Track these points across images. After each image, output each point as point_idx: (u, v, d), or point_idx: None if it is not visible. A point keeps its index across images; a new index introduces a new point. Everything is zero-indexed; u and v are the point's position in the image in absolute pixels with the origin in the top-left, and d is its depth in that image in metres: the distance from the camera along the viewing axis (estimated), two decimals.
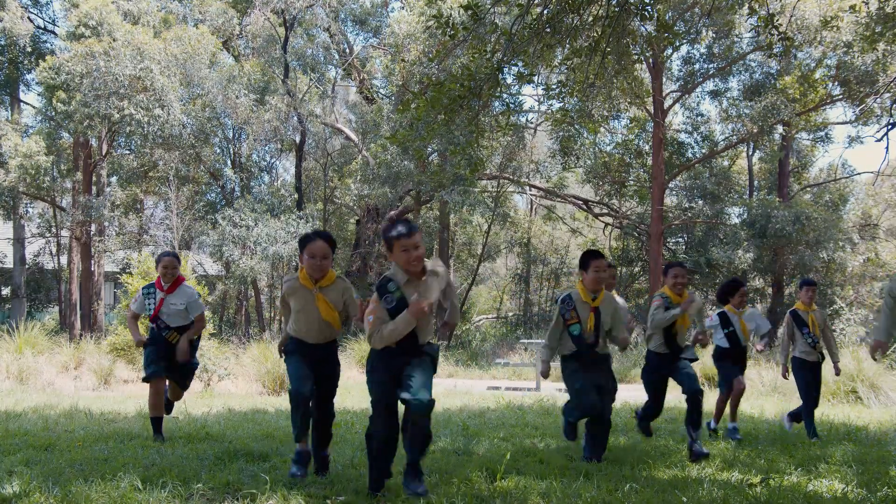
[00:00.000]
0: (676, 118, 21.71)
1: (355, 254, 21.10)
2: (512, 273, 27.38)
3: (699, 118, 20.22)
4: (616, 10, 6.01)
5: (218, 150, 21.45)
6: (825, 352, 6.66)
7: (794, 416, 6.89)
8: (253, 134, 19.72)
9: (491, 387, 12.78)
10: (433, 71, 11.70)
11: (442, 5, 13.90)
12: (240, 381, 12.57)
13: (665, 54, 16.57)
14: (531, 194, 25.15)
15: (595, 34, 6.45)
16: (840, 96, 16.64)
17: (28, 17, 19.43)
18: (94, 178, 20.07)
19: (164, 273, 5.86)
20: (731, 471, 4.69)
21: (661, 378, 5.59)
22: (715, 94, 19.75)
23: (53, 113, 17.99)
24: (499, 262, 29.67)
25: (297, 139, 20.92)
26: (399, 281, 3.78)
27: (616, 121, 20.05)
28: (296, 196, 20.12)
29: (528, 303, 25.52)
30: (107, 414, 7.51)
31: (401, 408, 3.74)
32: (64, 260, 23.34)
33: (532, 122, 20.33)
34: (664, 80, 18.29)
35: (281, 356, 4.50)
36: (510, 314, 26.45)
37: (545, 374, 5.13)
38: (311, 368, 4.25)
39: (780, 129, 17.94)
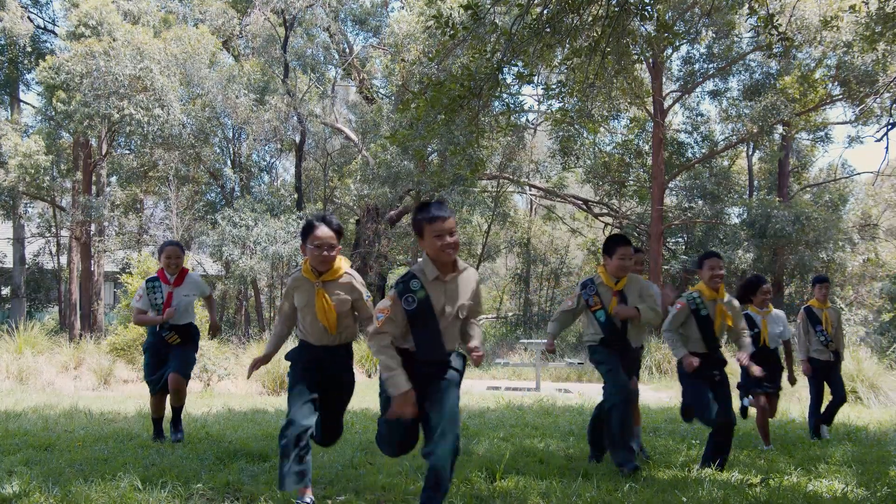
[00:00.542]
0: (676, 118, 21.72)
1: (355, 254, 21.09)
2: (512, 273, 27.38)
3: (699, 118, 20.22)
4: (616, 10, 6.00)
5: (218, 150, 21.44)
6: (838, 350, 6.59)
7: (826, 418, 6.63)
8: (253, 134, 19.72)
9: (491, 387, 12.78)
10: (433, 71, 11.69)
11: (442, 5, 13.91)
12: (240, 381, 12.56)
13: (665, 54, 16.54)
14: (531, 194, 25.16)
15: (595, 34, 6.44)
16: (840, 96, 16.63)
17: (28, 17, 19.41)
18: (93, 178, 20.06)
19: (167, 264, 5.39)
20: (731, 471, 4.69)
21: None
22: (715, 94, 19.74)
23: (53, 113, 17.98)
24: (499, 262, 29.67)
25: (297, 139, 20.92)
26: (426, 277, 3.27)
27: (616, 121, 20.04)
28: (296, 196, 20.13)
29: (527, 303, 25.52)
30: (107, 414, 7.50)
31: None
32: (64, 260, 23.33)
33: (532, 123, 20.33)
34: (664, 80, 18.28)
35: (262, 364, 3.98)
36: (510, 314, 26.43)
37: (550, 349, 4.98)
38: (316, 385, 3.72)
39: (780, 129, 17.93)
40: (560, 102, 8.82)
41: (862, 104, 15.79)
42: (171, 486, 3.87)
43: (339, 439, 4.10)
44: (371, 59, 22.48)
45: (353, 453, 4.98)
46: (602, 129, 19.01)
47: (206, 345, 12.16)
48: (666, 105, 18.01)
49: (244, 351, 14.17)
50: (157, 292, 5.37)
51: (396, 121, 15.74)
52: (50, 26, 21.96)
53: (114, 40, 16.29)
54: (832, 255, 17.04)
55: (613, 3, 6.08)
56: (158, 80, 16.55)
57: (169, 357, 5.45)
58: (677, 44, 15.68)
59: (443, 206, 3.29)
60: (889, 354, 13.64)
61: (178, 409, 5.59)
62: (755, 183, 22.08)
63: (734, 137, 19.10)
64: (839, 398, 6.59)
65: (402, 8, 19.51)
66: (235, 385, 12.46)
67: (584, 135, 18.37)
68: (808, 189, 22.61)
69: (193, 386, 9.86)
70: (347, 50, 22.13)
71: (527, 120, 19.74)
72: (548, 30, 6.12)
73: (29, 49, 19.40)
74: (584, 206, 22.23)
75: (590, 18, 6.50)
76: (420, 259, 3.38)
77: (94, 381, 12.31)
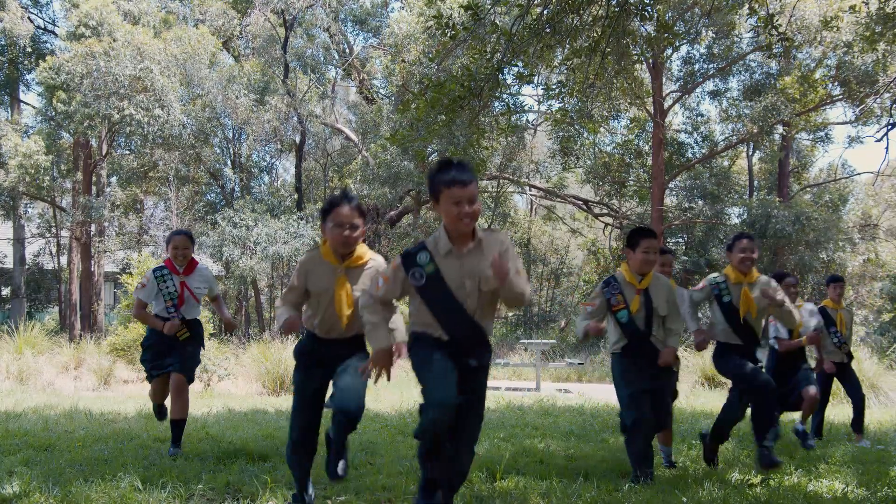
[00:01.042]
0: (676, 118, 21.72)
1: None
2: None
3: (699, 118, 20.22)
4: (616, 10, 6.01)
5: (218, 151, 21.45)
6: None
7: (856, 426, 6.50)
8: (253, 134, 19.73)
9: (491, 387, 12.76)
10: (433, 71, 11.69)
11: (442, 5, 13.91)
12: (240, 382, 12.56)
13: (665, 54, 16.55)
14: (531, 194, 25.16)
15: (595, 34, 6.44)
16: (840, 96, 16.64)
17: (28, 18, 19.43)
18: (94, 179, 20.07)
19: (175, 255, 5.04)
20: (731, 471, 4.69)
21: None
22: (715, 95, 19.75)
23: (53, 113, 17.99)
24: None
25: (297, 139, 20.93)
26: (438, 251, 2.95)
27: (616, 121, 20.05)
28: (296, 196, 20.13)
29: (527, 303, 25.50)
30: (107, 414, 7.50)
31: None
32: (64, 260, 23.33)
33: (532, 123, 20.33)
34: (664, 80, 18.29)
35: (280, 333, 3.68)
36: (510, 314, 26.42)
37: (591, 331, 4.33)
38: (326, 380, 3.45)
39: (780, 129, 17.93)
40: (560, 102, 8.82)
41: (862, 104, 15.79)
42: (172, 487, 3.86)
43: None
44: (371, 59, 22.49)
45: (353, 453, 4.98)
46: (602, 130, 19.02)
47: (206, 345, 12.14)
48: (666, 105, 18.01)
49: (244, 351, 14.15)
50: (167, 281, 4.99)
51: (396, 121, 15.74)
52: (50, 27, 21.99)
53: (114, 41, 16.30)
54: (832, 256, 17.04)
55: (613, 3, 6.08)
56: (158, 80, 16.56)
57: (172, 354, 5.10)
58: (677, 44, 15.67)
59: (465, 169, 2.90)
60: (889, 354, 13.63)
61: (179, 424, 5.07)
62: (755, 183, 22.07)
63: (734, 137, 19.10)
64: (858, 398, 6.44)
65: (402, 8, 19.52)
66: (235, 385, 12.45)
67: (584, 135, 18.37)
68: (808, 189, 22.61)
69: (193, 386, 9.85)
70: (347, 50, 22.14)
71: (527, 120, 19.76)
72: (548, 30, 6.12)
73: (29, 49, 19.42)
74: (585, 207, 22.23)
75: (590, 19, 6.51)
76: (439, 228, 3.06)
77: (95, 381, 12.30)
